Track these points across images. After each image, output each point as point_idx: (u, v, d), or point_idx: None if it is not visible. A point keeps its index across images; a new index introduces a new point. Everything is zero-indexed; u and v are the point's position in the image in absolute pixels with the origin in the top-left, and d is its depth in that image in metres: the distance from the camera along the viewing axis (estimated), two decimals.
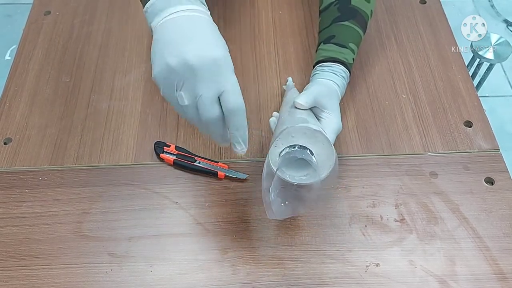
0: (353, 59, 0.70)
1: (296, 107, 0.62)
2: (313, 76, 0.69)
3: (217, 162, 0.68)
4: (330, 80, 0.66)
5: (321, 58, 0.69)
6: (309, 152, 0.56)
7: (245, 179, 0.67)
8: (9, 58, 1.81)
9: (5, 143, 0.71)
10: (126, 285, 0.58)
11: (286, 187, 0.59)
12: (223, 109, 0.49)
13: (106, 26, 0.86)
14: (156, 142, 0.70)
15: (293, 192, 0.59)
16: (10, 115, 0.74)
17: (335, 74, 0.67)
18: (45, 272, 0.59)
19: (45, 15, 0.88)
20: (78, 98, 0.76)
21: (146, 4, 0.52)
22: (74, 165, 0.69)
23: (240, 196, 0.66)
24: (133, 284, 0.59)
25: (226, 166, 0.68)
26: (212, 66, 0.47)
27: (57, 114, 0.74)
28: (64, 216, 0.64)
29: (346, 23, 0.70)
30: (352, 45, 0.70)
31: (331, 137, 0.61)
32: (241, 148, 0.51)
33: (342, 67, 0.68)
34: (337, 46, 0.69)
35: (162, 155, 0.68)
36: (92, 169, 0.69)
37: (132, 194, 0.66)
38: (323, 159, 0.57)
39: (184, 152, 0.69)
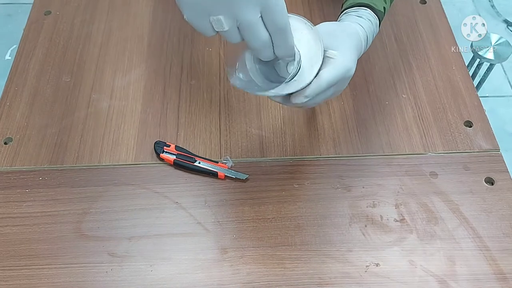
0: (384, 8, 0.64)
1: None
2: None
3: (217, 162, 0.68)
4: (351, 22, 0.60)
5: (346, 6, 0.64)
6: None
7: (245, 179, 0.67)
8: (10, 58, 1.81)
9: (5, 143, 0.71)
10: (126, 284, 0.58)
11: (271, 70, 0.55)
12: (268, 30, 0.44)
13: (107, 25, 0.86)
14: (156, 142, 0.70)
15: (274, 77, 0.54)
16: (11, 114, 0.74)
17: (360, 17, 0.61)
18: (45, 271, 0.59)
19: (45, 15, 0.88)
20: (78, 97, 0.76)
21: None
22: (74, 165, 0.69)
23: (240, 196, 0.66)
24: (133, 284, 0.59)
25: (226, 166, 0.68)
26: None
27: (58, 113, 0.74)
28: (64, 216, 0.64)
29: None
30: None
31: (332, 74, 0.53)
32: (293, 68, 0.48)
33: (369, 11, 0.62)
34: None
35: (162, 155, 0.68)
36: (92, 168, 0.69)
37: (132, 194, 0.66)
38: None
39: (184, 152, 0.69)
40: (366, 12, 0.63)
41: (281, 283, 0.59)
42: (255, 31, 0.43)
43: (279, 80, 0.53)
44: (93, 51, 0.82)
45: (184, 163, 0.68)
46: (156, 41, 0.84)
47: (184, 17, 0.44)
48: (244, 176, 0.67)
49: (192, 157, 0.68)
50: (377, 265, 0.60)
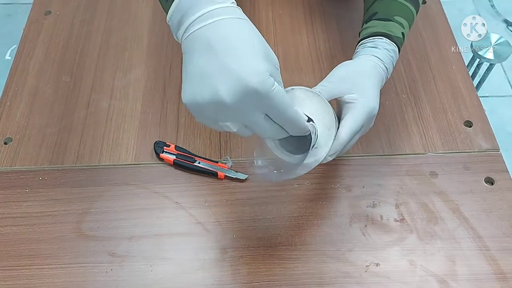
0: (403, 33, 0.63)
1: None
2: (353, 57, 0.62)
3: (217, 162, 0.68)
4: (368, 56, 0.59)
5: (362, 36, 0.63)
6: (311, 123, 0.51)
7: (245, 179, 0.67)
8: (9, 57, 1.81)
9: (5, 143, 0.71)
10: (126, 284, 0.58)
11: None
12: (277, 123, 0.45)
13: (106, 25, 0.86)
14: (156, 142, 0.70)
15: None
16: (11, 114, 0.74)
17: (376, 48, 0.60)
18: (45, 271, 0.59)
19: (45, 14, 0.88)
20: (78, 97, 0.76)
21: (169, 12, 0.45)
22: (74, 165, 0.69)
23: (240, 196, 0.66)
24: (134, 284, 0.59)
25: (226, 166, 0.68)
26: (248, 98, 0.41)
27: (57, 113, 0.74)
28: (64, 216, 0.64)
29: None
30: (399, 18, 0.62)
31: (354, 124, 0.54)
32: (312, 140, 0.49)
33: (385, 39, 0.61)
34: (379, 21, 0.63)
35: (162, 155, 0.68)
36: (92, 168, 0.69)
37: (132, 194, 0.66)
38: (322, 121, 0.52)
39: (184, 152, 0.69)
40: (382, 41, 0.61)
41: (281, 283, 0.59)
42: (263, 128, 0.44)
43: (300, 147, 0.54)
44: (93, 51, 0.82)
45: (184, 163, 0.68)
46: (156, 41, 0.84)
47: (196, 119, 0.45)
48: (244, 176, 0.67)
49: (192, 157, 0.68)
50: (377, 265, 0.60)
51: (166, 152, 0.69)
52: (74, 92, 0.77)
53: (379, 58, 0.60)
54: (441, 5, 0.90)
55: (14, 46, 1.80)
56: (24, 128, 0.73)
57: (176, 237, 0.62)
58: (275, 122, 0.44)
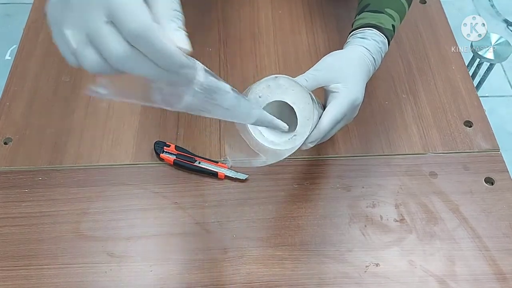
0: (393, 26, 0.64)
1: None
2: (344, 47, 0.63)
3: (217, 162, 0.68)
4: (356, 46, 0.60)
5: (352, 28, 0.64)
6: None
7: (245, 179, 0.67)
8: (9, 58, 1.81)
9: (5, 143, 0.71)
10: (125, 285, 0.58)
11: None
12: (126, 40, 0.32)
13: None
14: (156, 142, 0.70)
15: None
16: (10, 114, 0.74)
17: (365, 38, 0.62)
18: (44, 272, 0.59)
19: (45, 14, 0.88)
20: (78, 98, 0.76)
21: None
22: (74, 165, 0.69)
23: (240, 196, 0.66)
24: (132, 284, 0.58)
25: (226, 166, 0.68)
26: None
27: (57, 113, 0.74)
28: (63, 216, 0.64)
29: None
30: (390, 11, 0.64)
31: (335, 113, 0.55)
32: (189, 72, 0.36)
33: (375, 30, 0.62)
34: (371, 13, 0.64)
35: (162, 155, 0.68)
36: (92, 168, 0.69)
37: (131, 194, 0.66)
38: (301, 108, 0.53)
39: (184, 152, 0.69)
40: (372, 32, 0.63)
41: (281, 283, 0.59)
42: (107, 42, 0.31)
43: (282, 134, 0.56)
44: None
45: (184, 163, 0.67)
46: None
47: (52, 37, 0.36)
48: (244, 176, 0.67)
49: (192, 157, 0.68)
50: (376, 265, 0.60)
51: (166, 152, 0.69)
52: (73, 92, 0.77)
53: (367, 49, 0.61)
54: (441, 5, 0.90)
55: (14, 46, 1.79)
56: (23, 128, 0.72)
57: (175, 237, 0.62)
58: (125, 41, 0.32)
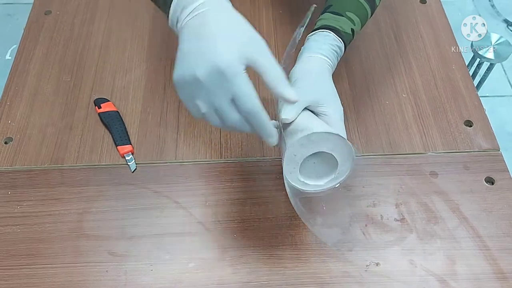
0: (353, 30, 0.64)
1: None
2: (301, 51, 0.63)
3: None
4: (317, 56, 0.61)
5: (314, 28, 0.64)
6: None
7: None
8: (10, 57, 1.81)
9: (5, 143, 0.71)
10: (126, 284, 0.59)
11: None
12: (240, 113, 0.48)
13: (107, 25, 0.86)
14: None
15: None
16: (11, 114, 0.74)
17: (321, 43, 0.62)
18: (46, 271, 0.59)
19: (45, 14, 0.88)
20: (78, 97, 0.76)
21: (170, 11, 0.52)
22: (75, 164, 0.69)
23: (240, 195, 0.66)
24: (134, 283, 0.59)
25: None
26: (217, 76, 0.46)
27: (58, 113, 0.74)
28: (65, 215, 0.64)
29: None
30: (350, 14, 0.64)
31: (339, 125, 0.58)
32: (271, 141, 0.51)
33: (332, 34, 0.62)
34: (332, 14, 0.64)
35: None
36: (93, 168, 0.69)
37: (133, 193, 0.66)
38: (342, 156, 0.55)
39: None
40: (330, 37, 0.62)
41: (281, 283, 0.59)
42: (227, 113, 0.48)
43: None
44: (93, 51, 0.82)
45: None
46: (156, 41, 0.84)
47: (179, 97, 0.50)
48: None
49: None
50: (377, 264, 0.60)
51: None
52: (74, 91, 0.77)
53: (326, 57, 0.61)
54: (441, 5, 0.90)
55: (14, 46, 1.80)
56: (24, 128, 0.73)
57: (176, 236, 0.62)
58: (239, 113, 0.48)
